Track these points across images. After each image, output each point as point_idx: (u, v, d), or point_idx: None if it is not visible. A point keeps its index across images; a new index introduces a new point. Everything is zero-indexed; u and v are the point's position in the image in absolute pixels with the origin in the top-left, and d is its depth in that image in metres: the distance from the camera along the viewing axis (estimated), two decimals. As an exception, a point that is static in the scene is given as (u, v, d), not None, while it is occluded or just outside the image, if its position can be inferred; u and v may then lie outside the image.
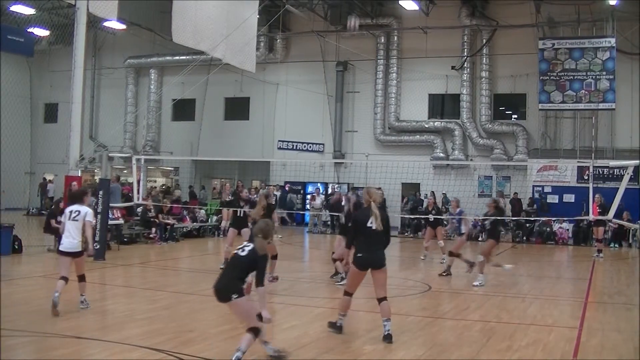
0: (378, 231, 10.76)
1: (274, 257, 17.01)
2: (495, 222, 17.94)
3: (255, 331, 8.89)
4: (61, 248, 12.55)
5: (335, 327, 11.12)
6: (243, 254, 9.13)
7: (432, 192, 28.69)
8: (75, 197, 13.17)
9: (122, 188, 28.78)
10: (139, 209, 26.65)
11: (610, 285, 19.15)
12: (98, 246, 20.07)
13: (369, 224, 10.73)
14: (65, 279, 12.28)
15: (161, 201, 28.94)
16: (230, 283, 8.98)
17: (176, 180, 42.27)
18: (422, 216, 18.88)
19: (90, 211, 12.70)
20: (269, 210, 16.44)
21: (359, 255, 10.79)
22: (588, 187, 20.63)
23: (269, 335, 9.73)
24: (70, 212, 12.57)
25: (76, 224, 12.42)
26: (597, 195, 23.80)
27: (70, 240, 12.41)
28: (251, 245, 9.20)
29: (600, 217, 23.22)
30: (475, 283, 16.97)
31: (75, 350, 9.54)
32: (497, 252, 21.19)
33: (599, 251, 25.06)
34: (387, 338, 10.51)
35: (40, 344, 9.81)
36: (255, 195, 29.72)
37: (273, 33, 39.47)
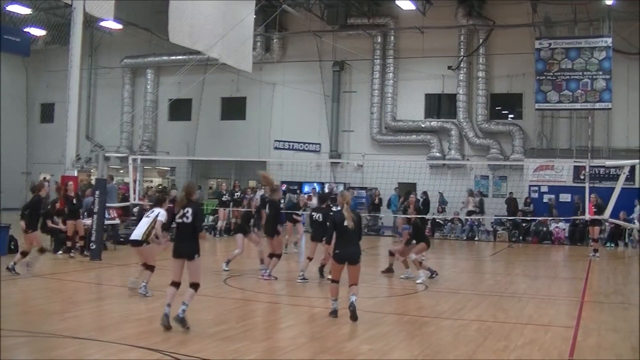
0: (353, 230, 12.21)
1: (278, 256, 17.04)
2: (416, 224, 17.99)
3: (196, 286, 11.24)
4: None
5: (332, 313, 12.35)
6: (188, 221, 11.22)
7: (409, 191, 28.28)
8: (157, 202, 14.80)
9: (117, 187, 28.79)
10: (135, 209, 26.61)
11: (607, 284, 19.18)
12: (94, 246, 20.13)
13: (345, 224, 12.14)
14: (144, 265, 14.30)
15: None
16: (192, 245, 11.28)
17: (173, 180, 42.24)
18: (412, 216, 18.75)
19: (162, 212, 13.90)
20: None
21: (336, 251, 12.27)
22: (584, 187, 20.65)
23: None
24: (152, 211, 14.27)
25: (147, 220, 14.11)
26: (592, 195, 23.83)
27: (136, 230, 14.39)
28: (190, 209, 11.25)
29: (596, 217, 23.23)
30: (418, 281, 17.01)
31: (72, 351, 9.53)
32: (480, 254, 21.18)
33: (595, 251, 25.10)
34: (351, 306, 12.03)
35: (37, 344, 9.81)
36: (252, 195, 29.81)
37: (270, 33, 39.44)
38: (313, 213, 18.17)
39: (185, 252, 11.20)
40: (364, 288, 16.56)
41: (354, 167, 37.72)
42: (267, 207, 17.89)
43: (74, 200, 21.00)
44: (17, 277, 16.19)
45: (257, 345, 10.29)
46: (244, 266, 19.40)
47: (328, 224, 12.91)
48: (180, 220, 11.29)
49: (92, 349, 9.70)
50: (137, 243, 14.14)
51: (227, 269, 18.48)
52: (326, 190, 34.73)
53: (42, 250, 17.64)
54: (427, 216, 19.44)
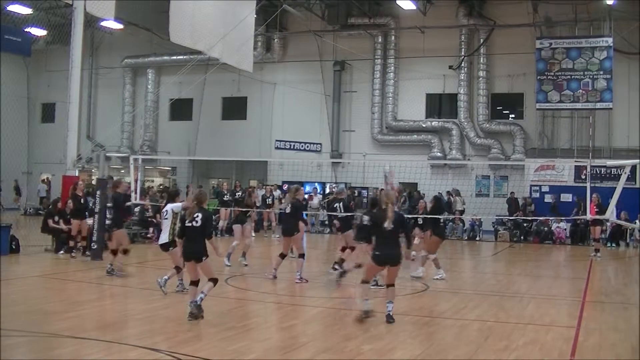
0: (391, 230, 11.72)
1: (302, 256, 17.03)
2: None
3: (215, 281, 11.98)
4: None
5: (366, 313, 11.83)
6: (197, 225, 11.67)
7: (410, 192, 28.28)
8: (170, 197, 15.12)
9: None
10: (137, 209, 26.60)
11: (608, 284, 19.18)
12: (95, 246, 20.12)
13: (384, 225, 11.68)
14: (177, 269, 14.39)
15: (159, 201, 28.87)
16: (200, 247, 11.73)
17: (174, 180, 42.24)
18: (416, 216, 18.77)
19: (177, 205, 14.23)
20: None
21: (376, 252, 11.84)
22: (585, 187, 20.64)
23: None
24: (165, 211, 14.37)
25: (167, 222, 14.17)
26: (594, 195, 23.81)
27: (161, 235, 14.55)
28: (200, 214, 11.73)
29: (597, 217, 23.20)
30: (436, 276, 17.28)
31: (72, 350, 9.53)
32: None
33: (597, 250, 25.08)
34: (389, 318, 11.77)
35: (37, 344, 9.80)
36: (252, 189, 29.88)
37: (270, 32, 39.45)
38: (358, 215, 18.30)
39: (194, 254, 11.73)
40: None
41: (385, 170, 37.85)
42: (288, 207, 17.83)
43: (82, 199, 21.02)
44: (14, 277, 16.20)
45: (258, 345, 10.28)
46: (245, 266, 19.41)
47: (365, 223, 12.81)
48: (190, 224, 11.70)
49: (92, 348, 9.70)
50: (165, 247, 14.30)
51: (229, 264, 18.62)
52: (327, 191, 34.76)
53: (125, 251, 17.83)
54: (419, 216, 19.25)
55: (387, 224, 11.67)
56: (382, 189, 12.95)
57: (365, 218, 13.57)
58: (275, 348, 10.21)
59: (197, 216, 11.68)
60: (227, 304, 13.78)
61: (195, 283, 11.87)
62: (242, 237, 19.77)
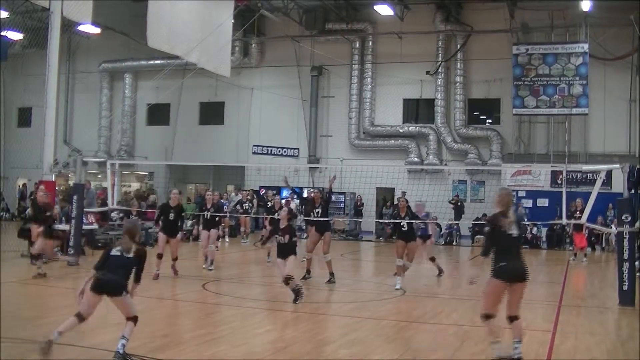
0: (517, 238, 9.64)
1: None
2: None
3: (136, 320, 9.67)
4: None
5: None
6: (129, 255, 9.61)
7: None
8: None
9: (96, 192, 28.67)
10: (114, 214, 26.50)
11: (584, 288, 19.28)
12: (72, 251, 20.01)
13: (510, 232, 9.48)
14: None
15: (130, 204, 28.71)
16: (122, 281, 9.51)
17: (151, 185, 42.09)
18: (395, 221, 18.77)
19: None
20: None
21: (502, 264, 9.39)
22: (561, 192, 20.75)
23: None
24: None
25: None
26: (578, 200, 23.96)
27: None
28: (134, 247, 9.67)
29: (575, 221, 23.20)
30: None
31: (49, 356, 9.47)
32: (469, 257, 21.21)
33: (575, 254, 25.37)
34: None
35: (14, 349, 9.72)
36: (226, 201, 29.78)
37: (248, 38, 39.46)
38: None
39: (113, 286, 9.62)
40: (341, 293, 16.61)
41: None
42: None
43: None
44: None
45: (235, 350, 10.27)
46: (221, 272, 19.40)
47: (485, 231, 10.06)
48: (118, 253, 9.68)
49: (69, 354, 9.64)
50: None
51: (212, 268, 18.75)
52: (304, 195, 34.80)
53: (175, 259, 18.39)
54: (404, 221, 19.17)
55: (513, 230, 9.50)
56: (503, 189, 10.27)
57: (486, 228, 10.10)
58: (252, 353, 10.19)
59: (131, 249, 9.68)
60: (203, 309, 13.76)
61: (80, 318, 9.57)
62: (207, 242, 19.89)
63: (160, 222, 18.41)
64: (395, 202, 34.65)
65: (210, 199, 20.34)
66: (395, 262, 17.32)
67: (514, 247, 9.49)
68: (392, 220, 20.04)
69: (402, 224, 17.36)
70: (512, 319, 9.61)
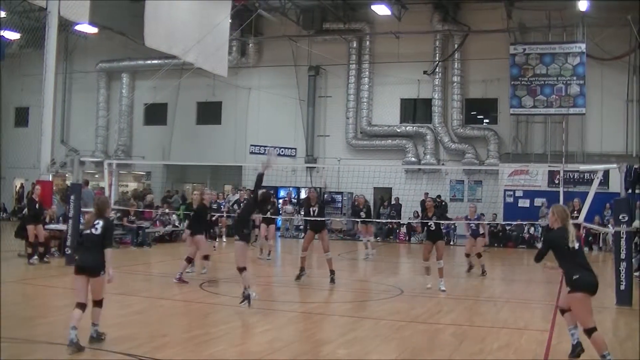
0: (579, 250, 9.78)
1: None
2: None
3: (101, 303, 10.28)
4: None
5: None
6: (97, 232, 10.20)
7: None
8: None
9: (93, 192, 28.65)
10: (111, 214, 26.48)
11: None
12: (70, 251, 20.00)
13: (570, 245, 9.63)
14: None
15: (127, 204, 28.73)
16: (97, 259, 10.10)
17: (148, 184, 42.09)
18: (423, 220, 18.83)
19: None
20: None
21: (576, 276, 9.67)
22: (559, 191, 20.75)
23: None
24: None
25: None
26: (575, 200, 23.96)
27: None
28: (101, 222, 10.28)
29: (573, 221, 23.19)
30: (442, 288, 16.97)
31: (47, 356, 9.48)
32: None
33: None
34: None
35: (12, 349, 9.72)
36: (223, 201, 29.76)
37: (245, 37, 39.39)
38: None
39: (90, 266, 10.11)
40: (339, 293, 16.62)
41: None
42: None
43: (37, 205, 20.75)
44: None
45: (233, 350, 10.27)
46: (219, 272, 19.39)
47: (542, 244, 10.31)
48: (88, 232, 10.31)
49: (66, 354, 9.63)
50: None
51: (202, 272, 18.62)
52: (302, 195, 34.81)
53: (206, 257, 18.16)
54: (403, 221, 19.19)
55: (573, 243, 9.65)
56: (560, 205, 10.53)
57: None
58: (250, 353, 10.20)
59: (97, 223, 10.28)
60: (201, 308, 13.76)
61: (81, 306, 10.02)
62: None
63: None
64: (393, 201, 34.90)
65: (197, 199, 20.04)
66: (422, 263, 17.51)
67: (579, 257, 9.72)
68: (420, 221, 20.34)
69: (429, 224, 17.42)
70: (590, 331, 9.66)
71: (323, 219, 18.36)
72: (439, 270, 16.94)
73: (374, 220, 32.21)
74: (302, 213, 20.35)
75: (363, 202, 25.66)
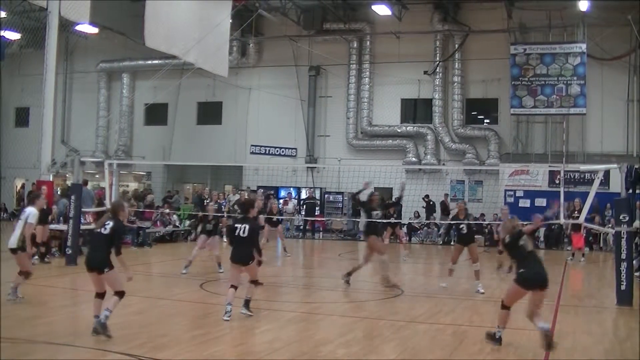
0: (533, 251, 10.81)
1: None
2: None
3: (121, 294, 10.77)
4: None
5: (494, 339, 10.72)
6: (105, 231, 10.80)
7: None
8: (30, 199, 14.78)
9: (93, 192, 28.66)
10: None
11: (581, 288, 19.29)
12: (70, 251, 20.00)
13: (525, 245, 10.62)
14: None
15: (128, 204, 28.69)
16: (101, 257, 10.66)
17: (149, 184, 42.10)
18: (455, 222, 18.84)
19: (33, 211, 13.76)
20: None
21: (521, 271, 10.53)
22: (559, 191, 20.75)
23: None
24: (24, 211, 13.83)
25: (20, 222, 13.77)
26: (576, 200, 23.93)
27: (11, 238, 13.68)
28: (111, 223, 10.88)
29: (573, 221, 23.19)
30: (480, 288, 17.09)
31: (47, 356, 9.48)
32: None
33: (573, 254, 25.39)
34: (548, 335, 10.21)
35: (11, 349, 9.72)
36: (223, 201, 29.76)
37: (245, 37, 39.37)
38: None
39: (96, 264, 10.71)
40: (338, 293, 16.62)
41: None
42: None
43: (45, 205, 20.73)
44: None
45: (233, 350, 10.28)
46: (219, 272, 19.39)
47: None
48: (97, 231, 11.02)
49: (66, 354, 9.65)
50: (14, 251, 13.83)
51: (184, 272, 18.64)
52: (302, 195, 34.80)
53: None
54: (403, 221, 19.18)
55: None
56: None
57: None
58: (250, 353, 10.21)
59: (108, 224, 10.88)
60: (202, 308, 13.76)
61: (100, 295, 10.92)
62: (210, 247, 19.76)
63: None
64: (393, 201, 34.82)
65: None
66: (449, 265, 17.71)
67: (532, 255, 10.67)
68: (451, 222, 20.25)
69: (461, 227, 17.53)
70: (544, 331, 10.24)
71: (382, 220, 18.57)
72: (475, 273, 17.21)
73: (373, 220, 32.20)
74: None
75: (377, 200, 24.37)
